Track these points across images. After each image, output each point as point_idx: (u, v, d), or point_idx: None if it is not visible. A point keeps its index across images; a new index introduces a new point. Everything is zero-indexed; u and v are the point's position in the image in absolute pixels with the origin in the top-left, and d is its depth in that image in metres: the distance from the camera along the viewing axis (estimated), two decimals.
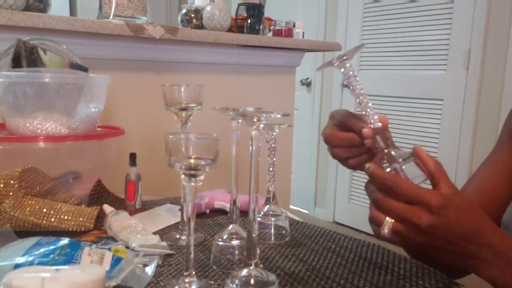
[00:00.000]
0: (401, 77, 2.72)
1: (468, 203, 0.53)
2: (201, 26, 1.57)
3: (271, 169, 0.74)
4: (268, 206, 0.74)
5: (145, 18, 1.33)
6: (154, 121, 1.44)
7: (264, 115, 0.49)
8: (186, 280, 0.52)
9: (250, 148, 0.51)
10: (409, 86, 2.68)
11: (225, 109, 0.57)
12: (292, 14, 3.28)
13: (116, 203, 0.88)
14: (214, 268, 0.62)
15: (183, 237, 0.72)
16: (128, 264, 0.57)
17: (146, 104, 1.46)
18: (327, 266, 0.64)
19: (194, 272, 0.53)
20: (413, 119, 2.66)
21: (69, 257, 0.54)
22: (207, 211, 0.87)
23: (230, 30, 1.60)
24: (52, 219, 0.73)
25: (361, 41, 2.92)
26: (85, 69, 0.91)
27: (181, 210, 0.79)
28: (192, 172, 0.49)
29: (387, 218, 0.53)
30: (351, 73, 0.57)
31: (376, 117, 0.57)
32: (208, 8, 1.52)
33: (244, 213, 0.63)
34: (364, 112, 0.57)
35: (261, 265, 0.52)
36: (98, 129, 0.98)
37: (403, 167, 0.54)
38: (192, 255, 0.53)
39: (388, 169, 0.54)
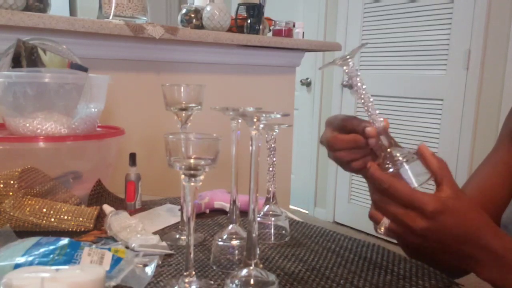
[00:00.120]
0: (401, 77, 2.72)
1: (467, 205, 0.53)
2: (201, 26, 1.57)
3: (271, 169, 0.74)
4: (268, 206, 0.74)
5: (145, 18, 1.33)
6: (154, 121, 1.44)
7: (264, 115, 0.49)
8: (186, 280, 0.52)
9: (250, 148, 0.51)
10: (409, 86, 2.68)
11: (225, 109, 0.57)
12: (292, 14, 3.28)
13: (116, 203, 0.88)
14: (214, 268, 0.62)
15: (183, 237, 0.72)
16: (128, 264, 0.57)
17: (146, 104, 1.46)
18: (327, 266, 0.64)
19: (194, 272, 0.53)
20: (413, 119, 2.66)
21: (69, 257, 0.54)
22: (207, 211, 0.87)
23: (230, 30, 1.60)
24: (52, 219, 0.73)
25: (361, 41, 2.92)
26: (85, 69, 0.91)
27: (181, 210, 0.79)
28: (192, 172, 0.49)
29: (384, 217, 0.54)
30: (354, 72, 0.57)
31: (380, 117, 0.56)
32: (208, 8, 1.52)
33: (244, 213, 0.63)
34: (367, 111, 0.57)
35: (261, 265, 0.52)
36: (98, 129, 0.98)
37: (407, 166, 0.54)
38: (192, 255, 0.53)
39: (391, 169, 0.54)
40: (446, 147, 2.49)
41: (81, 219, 0.74)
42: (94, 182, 0.86)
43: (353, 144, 0.58)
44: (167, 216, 0.84)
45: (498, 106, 2.31)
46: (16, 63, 0.86)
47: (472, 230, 0.52)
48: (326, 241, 0.74)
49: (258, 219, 0.72)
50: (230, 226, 0.64)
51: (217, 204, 0.88)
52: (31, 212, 0.72)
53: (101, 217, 0.78)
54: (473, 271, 0.56)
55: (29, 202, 0.73)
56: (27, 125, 0.84)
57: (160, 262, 0.62)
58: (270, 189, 0.74)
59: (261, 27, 1.65)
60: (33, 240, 0.58)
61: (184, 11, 1.60)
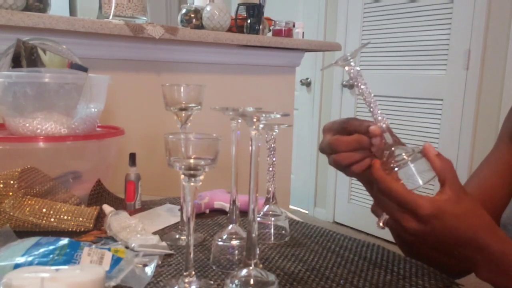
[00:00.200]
0: (401, 77, 2.72)
1: (467, 208, 0.52)
2: (201, 26, 1.57)
3: (270, 169, 0.74)
4: (268, 206, 0.74)
5: (145, 18, 1.33)
6: (154, 121, 1.44)
7: (263, 115, 0.49)
8: (186, 280, 0.52)
9: (250, 148, 0.51)
10: (409, 86, 2.68)
11: (225, 109, 0.57)
12: (292, 14, 3.28)
13: (116, 203, 0.88)
14: (214, 268, 0.62)
15: (182, 237, 0.72)
16: (128, 264, 0.57)
17: (146, 104, 1.46)
18: (327, 266, 0.64)
19: (193, 272, 0.53)
20: (413, 119, 2.66)
21: (68, 257, 0.54)
22: (207, 211, 0.87)
23: (230, 30, 1.60)
24: (52, 219, 0.73)
25: (361, 41, 2.92)
26: (85, 69, 0.91)
27: (181, 210, 0.79)
28: (192, 172, 0.49)
29: (384, 213, 0.55)
30: (357, 71, 0.57)
31: (383, 116, 0.56)
32: (208, 8, 1.52)
33: (244, 213, 0.63)
34: (370, 110, 0.57)
35: (261, 265, 0.52)
36: (98, 129, 0.98)
37: (412, 164, 0.54)
38: (191, 255, 0.53)
39: (396, 168, 0.54)
40: (446, 147, 2.50)
41: (81, 219, 0.74)
42: (94, 182, 0.86)
43: (356, 145, 0.57)
44: (167, 216, 0.84)
45: (498, 106, 2.31)
46: (16, 63, 0.86)
47: (470, 233, 0.52)
48: (326, 241, 0.74)
49: (258, 219, 0.72)
50: (230, 226, 0.64)
51: (217, 204, 0.88)
52: (31, 212, 0.72)
53: (101, 217, 0.78)
54: (472, 271, 0.56)
55: (29, 202, 0.73)
56: (27, 125, 0.84)
57: (160, 262, 0.62)
58: (270, 189, 0.74)
59: (261, 27, 1.65)
60: (33, 240, 0.58)
61: (184, 11, 1.60)
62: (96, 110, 0.92)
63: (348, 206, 3.13)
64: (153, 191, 1.02)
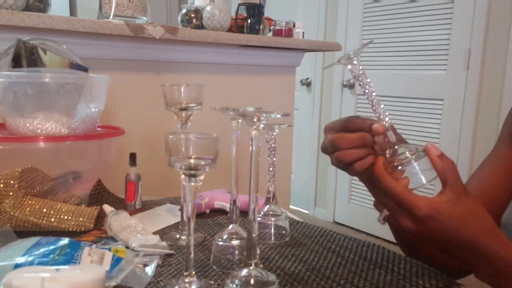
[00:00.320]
0: (401, 77, 2.72)
1: (467, 211, 0.52)
2: (201, 26, 1.57)
3: (271, 169, 0.74)
4: (268, 206, 0.74)
5: (145, 18, 1.33)
6: (154, 121, 1.44)
7: (264, 115, 0.49)
8: (186, 280, 0.53)
9: (250, 148, 0.51)
10: (409, 86, 2.68)
11: (225, 109, 0.57)
12: (292, 14, 3.28)
13: (116, 203, 0.88)
14: (214, 268, 0.62)
15: (183, 237, 0.72)
16: (128, 264, 0.57)
17: (146, 104, 1.46)
18: (327, 266, 0.64)
19: (194, 272, 0.53)
20: (413, 119, 2.66)
21: (69, 257, 0.54)
22: (207, 211, 0.87)
23: (230, 30, 1.60)
24: (52, 219, 0.73)
25: (361, 41, 2.92)
26: (85, 69, 0.91)
27: (181, 210, 0.79)
28: (192, 172, 0.49)
29: (385, 209, 0.57)
30: (359, 70, 0.57)
31: (386, 114, 0.56)
32: (208, 8, 1.52)
33: (244, 213, 0.63)
34: (373, 108, 0.56)
35: (261, 265, 0.52)
36: (98, 129, 0.98)
37: (415, 163, 0.54)
38: (192, 255, 0.53)
39: (400, 167, 0.54)
40: (446, 147, 2.49)
41: (81, 219, 0.74)
42: (94, 182, 0.86)
43: (360, 142, 0.57)
44: (167, 216, 0.84)
45: (498, 106, 2.31)
46: (16, 63, 0.86)
47: (468, 236, 0.52)
48: (326, 241, 0.74)
49: (258, 219, 0.72)
50: (230, 226, 0.64)
51: (217, 204, 0.88)
52: (31, 212, 0.72)
53: (101, 217, 0.78)
54: (472, 272, 0.56)
55: (29, 202, 0.73)
56: (27, 125, 0.84)
57: (160, 262, 0.62)
58: (270, 189, 0.74)
59: (261, 27, 1.65)
60: (33, 240, 0.58)
61: (184, 11, 1.60)
62: (96, 110, 0.92)
63: (348, 206, 3.13)
64: (153, 191, 1.02)
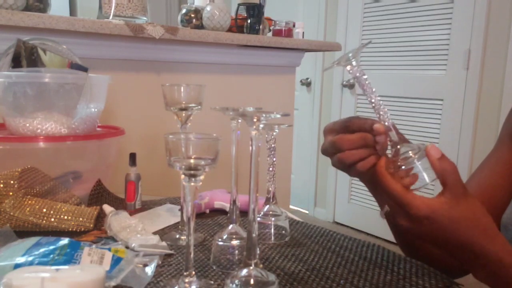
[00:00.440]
0: (401, 77, 2.72)
1: (466, 213, 0.52)
2: (201, 26, 1.57)
3: (271, 169, 0.74)
4: (268, 206, 0.74)
5: (145, 18, 1.33)
6: (154, 121, 1.44)
7: (264, 115, 0.49)
8: (186, 280, 0.52)
9: (250, 148, 0.51)
10: (409, 86, 2.68)
11: (225, 109, 0.57)
12: (292, 14, 3.28)
13: (116, 203, 0.88)
14: (214, 268, 0.62)
15: (183, 237, 0.72)
16: (128, 264, 0.57)
17: (146, 104, 1.46)
18: (327, 266, 0.64)
19: (194, 272, 0.53)
20: (413, 119, 2.66)
21: (69, 257, 0.54)
22: (207, 211, 0.87)
23: (230, 30, 1.60)
24: (52, 219, 0.73)
25: (361, 41, 2.92)
26: (85, 69, 0.91)
27: (181, 210, 0.79)
28: (192, 172, 0.49)
29: (386, 205, 0.57)
30: (359, 70, 0.56)
31: (387, 114, 0.56)
32: (208, 8, 1.52)
33: (244, 213, 0.63)
34: (374, 108, 0.56)
35: (261, 265, 0.52)
36: (98, 129, 0.98)
37: (418, 162, 0.54)
38: (192, 255, 0.53)
39: (403, 167, 0.54)
40: (446, 147, 2.49)
41: (81, 219, 0.74)
42: (94, 182, 0.86)
43: (361, 142, 0.56)
44: (167, 216, 0.84)
45: (498, 106, 2.31)
46: (16, 63, 0.86)
47: (466, 237, 0.52)
48: (326, 241, 0.74)
49: (258, 219, 0.72)
50: (230, 226, 0.64)
51: (217, 204, 0.88)
52: (31, 212, 0.72)
53: (101, 217, 0.78)
54: (470, 272, 0.56)
55: (29, 202, 0.73)
56: (27, 125, 0.84)
57: (160, 262, 0.62)
58: (270, 189, 0.74)
59: (261, 27, 1.65)
60: (33, 240, 0.58)
61: (184, 11, 1.60)
62: (96, 110, 0.92)
63: (348, 206, 3.13)
64: (153, 191, 1.02)
